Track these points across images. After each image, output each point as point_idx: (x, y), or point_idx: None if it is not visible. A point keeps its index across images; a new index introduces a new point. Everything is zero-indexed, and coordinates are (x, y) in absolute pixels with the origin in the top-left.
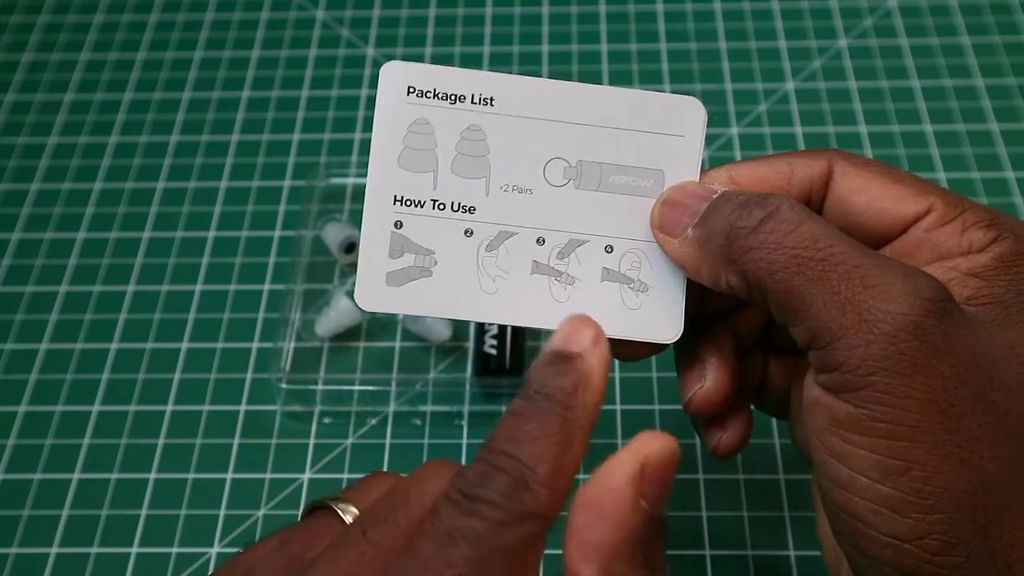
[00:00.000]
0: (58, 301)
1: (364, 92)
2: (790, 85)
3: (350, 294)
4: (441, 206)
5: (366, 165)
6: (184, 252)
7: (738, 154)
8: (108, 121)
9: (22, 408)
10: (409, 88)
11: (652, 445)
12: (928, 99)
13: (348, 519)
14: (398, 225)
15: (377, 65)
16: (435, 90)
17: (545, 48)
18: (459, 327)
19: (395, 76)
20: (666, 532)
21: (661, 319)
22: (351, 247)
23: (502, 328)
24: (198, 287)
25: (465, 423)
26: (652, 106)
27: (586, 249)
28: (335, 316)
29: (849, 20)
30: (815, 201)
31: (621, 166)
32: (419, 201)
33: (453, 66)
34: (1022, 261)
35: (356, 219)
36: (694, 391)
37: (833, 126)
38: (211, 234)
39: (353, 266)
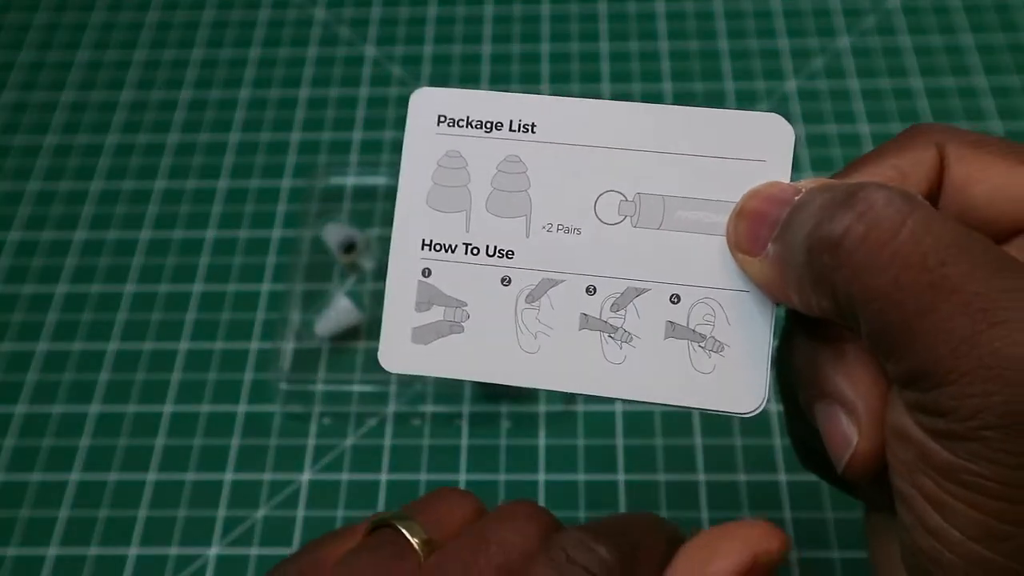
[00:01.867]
0: (58, 301)
1: (364, 92)
2: (790, 85)
3: (350, 294)
4: (475, 250)
5: (367, 164)
6: (184, 252)
7: None
8: (107, 121)
9: (21, 408)
10: (440, 117)
11: (767, 543)
12: (929, 98)
13: (415, 542)
14: (426, 273)
15: (377, 65)
16: (468, 117)
17: (545, 48)
18: None
19: (425, 104)
20: None
21: (739, 386)
22: (350, 247)
23: None
24: (197, 287)
25: (465, 423)
26: (726, 126)
27: (647, 299)
28: (335, 316)
29: (850, 19)
30: (931, 198)
31: (689, 199)
32: (450, 245)
33: (488, 89)
34: None
35: (356, 219)
36: (845, 455)
37: (834, 125)
38: (211, 234)
39: (353, 266)
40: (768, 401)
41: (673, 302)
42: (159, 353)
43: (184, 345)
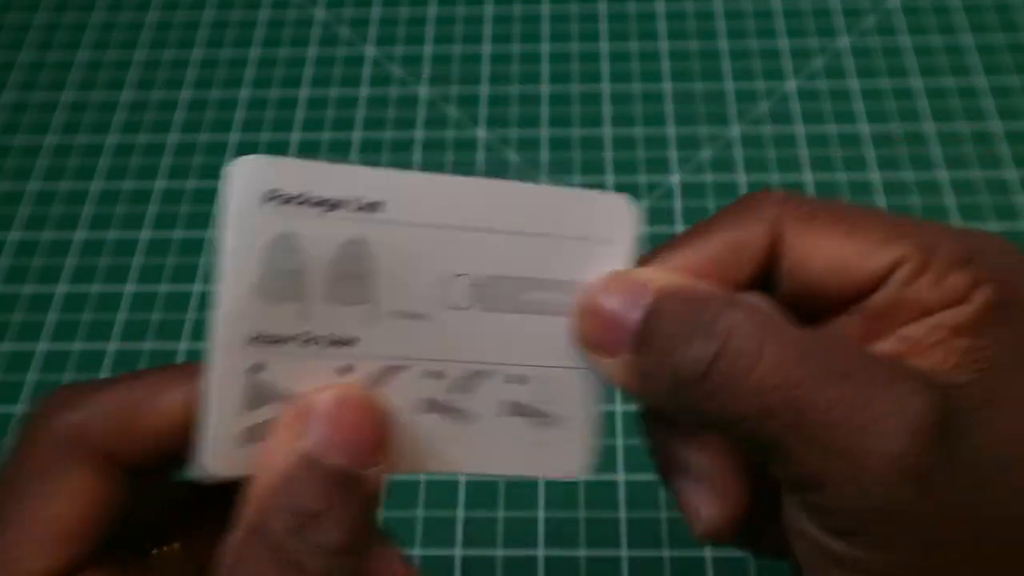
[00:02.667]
0: (58, 301)
1: (364, 92)
2: (790, 85)
3: None
4: (314, 341)
5: (365, 163)
6: (184, 252)
7: (739, 154)
8: (107, 121)
9: (22, 408)
10: (270, 193)
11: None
12: (928, 98)
13: None
14: (256, 369)
15: (378, 66)
16: (304, 195)
17: (545, 48)
18: None
19: (250, 178)
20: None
21: (568, 453)
22: None
23: None
24: (197, 287)
25: None
26: (573, 206)
27: (491, 381)
28: None
29: (849, 20)
30: (763, 273)
31: (536, 280)
32: (283, 337)
33: (326, 161)
34: (1010, 301)
35: None
36: (698, 525)
37: (834, 125)
38: (210, 234)
39: None
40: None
41: (518, 383)
42: (159, 353)
43: (184, 345)
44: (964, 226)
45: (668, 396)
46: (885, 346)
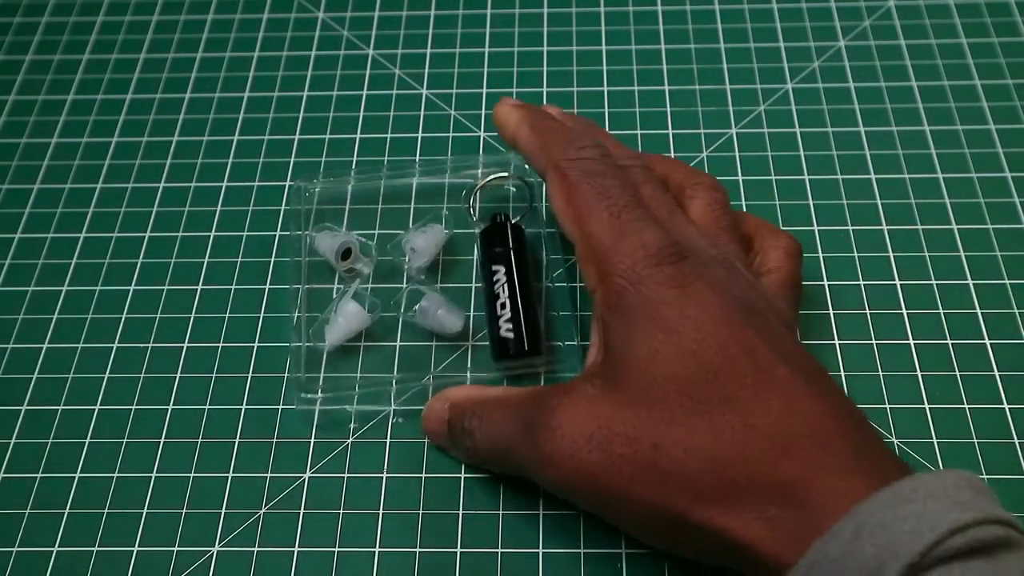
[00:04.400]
0: (59, 301)
1: (364, 93)
2: (790, 85)
3: (355, 297)
4: None
5: (369, 167)
6: (184, 252)
7: (738, 154)
8: (109, 121)
9: (23, 407)
10: None
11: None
12: (927, 99)
13: None
14: None
15: (378, 66)
16: None
17: (545, 48)
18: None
19: None
20: None
21: None
22: (347, 253)
23: (515, 311)
24: (199, 287)
25: None
26: None
27: None
28: (344, 323)
29: (849, 21)
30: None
31: None
32: None
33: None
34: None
35: (355, 222)
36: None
37: (833, 127)
38: (211, 234)
39: (351, 272)
40: None
41: None
42: (161, 352)
43: (185, 344)
44: (965, 226)
45: (466, 460)
46: None
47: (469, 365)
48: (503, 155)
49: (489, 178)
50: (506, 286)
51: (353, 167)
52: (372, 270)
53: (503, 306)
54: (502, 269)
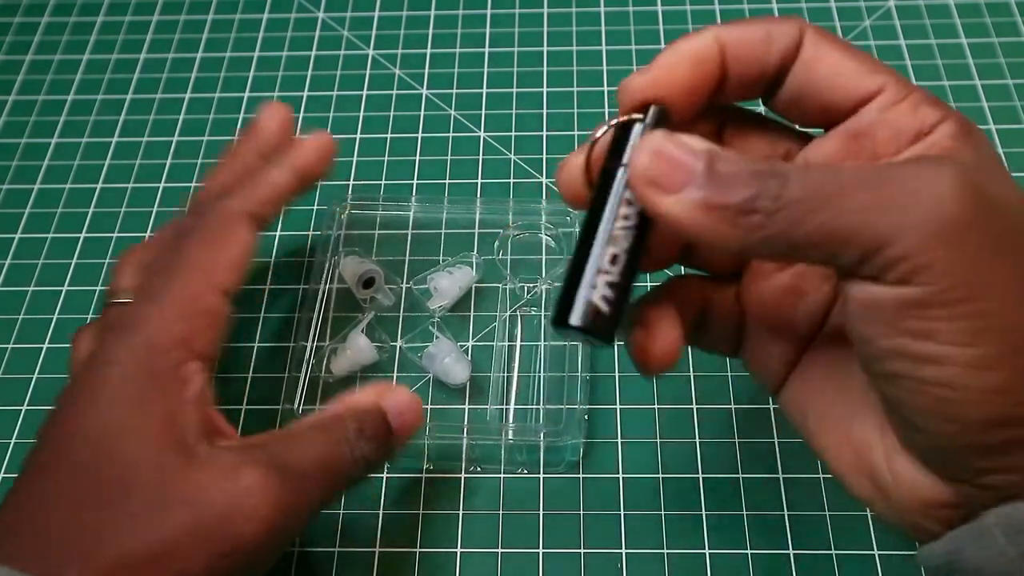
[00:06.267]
0: (59, 301)
1: (364, 93)
2: None
3: (366, 331)
4: None
5: (395, 196)
6: None
7: None
8: (109, 121)
9: (23, 407)
10: None
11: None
12: None
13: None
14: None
15: (378, 66)
16: None
17: (545, 48)
18: (478, 369)
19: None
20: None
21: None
22: (369, 282)
23: (627, 275)
24: None
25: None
26: None
27: None
28: (351, 355)
29: (849, 21)
30: (787, 65)
31: None
32: None
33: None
34: (969, 131)
35: (384, 247)
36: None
37: None
38: None
39: (371, 302)
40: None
41: None
42: None
43: None
44: None
45: (730, 225)
46: None
47: (465, 422)
48: (534, 201)
49: (516, 233)
50: (633, 233)
51: (381, 196)
52: (393, 303)
53: (614, 259)
54: (636, 210)
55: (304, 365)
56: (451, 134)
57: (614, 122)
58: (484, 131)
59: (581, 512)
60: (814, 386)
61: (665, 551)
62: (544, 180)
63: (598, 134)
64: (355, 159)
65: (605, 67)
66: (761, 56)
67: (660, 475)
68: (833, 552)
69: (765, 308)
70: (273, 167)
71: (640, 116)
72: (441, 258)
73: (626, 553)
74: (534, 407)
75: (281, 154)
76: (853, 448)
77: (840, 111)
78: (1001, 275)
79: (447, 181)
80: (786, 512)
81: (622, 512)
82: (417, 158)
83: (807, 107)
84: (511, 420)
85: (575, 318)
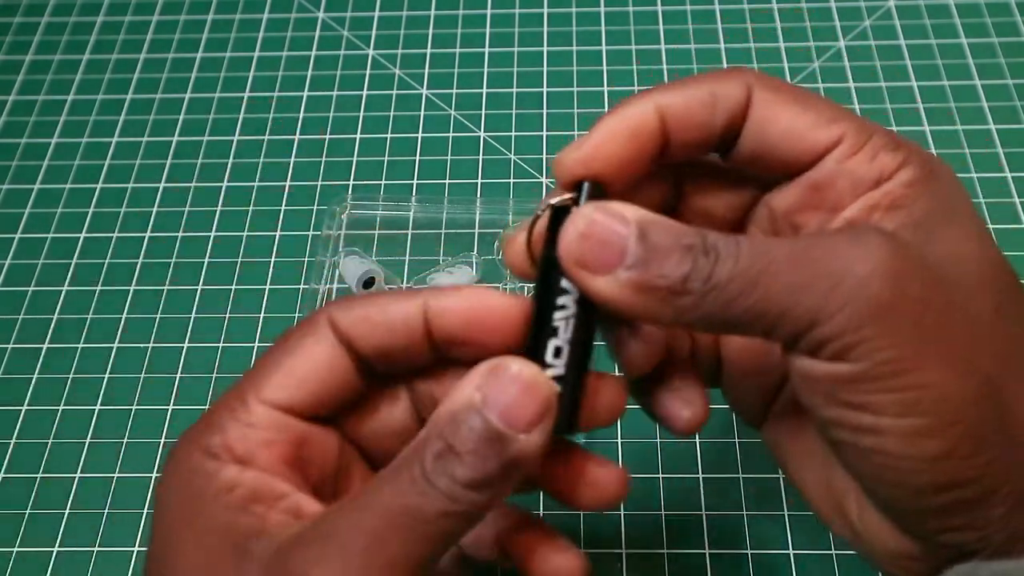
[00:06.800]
0: (59, 301)
1: (364, 93)
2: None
3: None
4: None
5: (395, 196)
6: (185, 252)
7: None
8: (109, 121)
9: (23, 407)
10: None
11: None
12: (927, 99)
13: None
14: None
15: (378, 66)
16: None
17: (545, 48)
18: None
19: None
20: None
21: None
22: (369, 282)
23: (572, 368)
24: (199, 287)
25: None
26: None
27: None
28: None
29: (849, 21)
30: (735, 127)
31: None
32: None
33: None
34: (929, 176)
35: (384, 247)
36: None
37: None
38: (212, 234)
39: None
40: None
41: None
42: (161, 352)
43: (186, 344)
44: None
45: (663, 305)
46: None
47: None
48: (534, 201)
49: (515, 229)
50: (573, 323)
51: (381, 196)
52: None
53: (558, 352)
54: (573, 297)
55: None
56: (451, 134)
57: (551, 202)
58: (484, 131)
59: (581, 512)
60: (791, 425)
61: (665, 551)
62: (544, 180)
63: (538, 211)
64: (355, 159)
65: (605, 67)
66: (705, 121)
67: (660, 475)
68: (833, 552)
69: (738, 351)
70: None
71: (573, 196)
72: (441, 258)
73: (626, 553)
74: None
75: None
76: (829, 490)
77: (799, 164)
78: (933, 347)
79: (447, 181)
80: (786, 512)
81: (622, 512)
82: (417, 158)
83: (766, 163)
84: None
85: None
